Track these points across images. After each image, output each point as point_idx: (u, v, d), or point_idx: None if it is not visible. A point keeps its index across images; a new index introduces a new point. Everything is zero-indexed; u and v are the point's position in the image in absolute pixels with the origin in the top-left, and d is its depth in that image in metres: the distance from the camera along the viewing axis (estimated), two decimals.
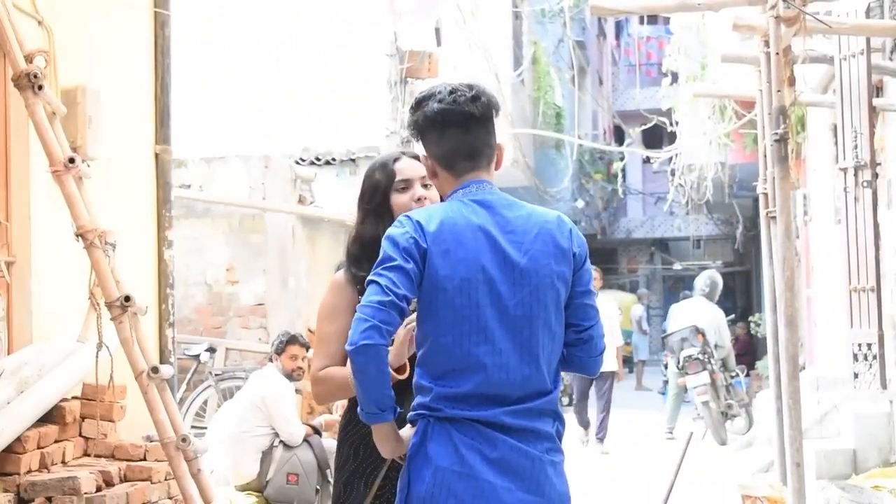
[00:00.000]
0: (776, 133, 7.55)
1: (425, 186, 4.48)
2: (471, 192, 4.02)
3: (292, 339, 10.05)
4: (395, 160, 4.58)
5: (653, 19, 41.30)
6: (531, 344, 3.93)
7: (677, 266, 42.44)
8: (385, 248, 3.91)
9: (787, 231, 7.56)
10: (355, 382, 3.86)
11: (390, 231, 3.95)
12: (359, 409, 3.91)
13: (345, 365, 4.40)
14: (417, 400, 3.96)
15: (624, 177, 34.77)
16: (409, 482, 3.93)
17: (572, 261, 4.02)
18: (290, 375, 9.88)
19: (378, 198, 4.55)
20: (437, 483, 3.86)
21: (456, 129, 4.03)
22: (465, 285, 3.88)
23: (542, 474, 3.91)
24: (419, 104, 4.10)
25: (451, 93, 4.03)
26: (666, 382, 23.08)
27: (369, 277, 3.89)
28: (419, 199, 4.45)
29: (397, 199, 4.51)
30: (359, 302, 4.04)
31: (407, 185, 4.52)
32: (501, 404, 3.88)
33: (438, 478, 3.86)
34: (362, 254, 4.47)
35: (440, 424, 3.88)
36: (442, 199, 4.16)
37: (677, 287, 39.16)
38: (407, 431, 4.00)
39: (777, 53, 7.52)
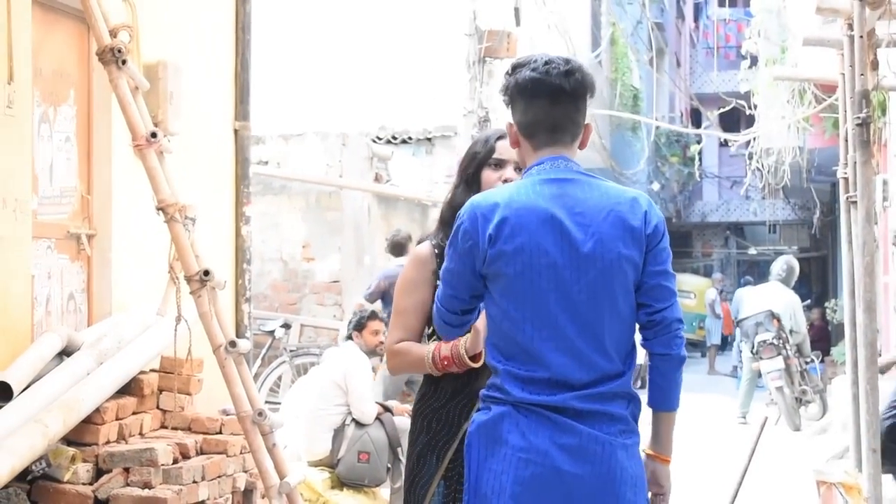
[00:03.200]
0: (858, 117, 7.46)
1: (518, 171, 4.49)
2: (544, 171, 4.00)
3: (373, 315, 10.09)
4: (499, 137, 4.62)
5: (733, 1, 41.02)
6: (596, 328, 3.91)
7: (752, 251, 42.21)
8: (451, 238, 4.06)
9: (868, 216, 7.48)
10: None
11: (458, 220, 4.02)
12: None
13: (418, 338, 4.48)
14: (491, 379, 3.99)
15: (700, 160, 34.58)
16: (478, 461, 3.94)
17: (644, 241, 3.97)
18: (374, 351, 9.90)
19: (472, 168, 4.64)
20: (504, 467, 3.87)
21: (543, 101, 4.01)
22: (527, 270, 3.87)
23: (612, 459, 3.88)
24: (514, 70, 4.10)
25: (545, 63, 4.02)
26: (736, 367, 23.00)
27: (440, 272, 4.13)
28: (506, 181, 4.48)
29: (488, 175, 4.59)
30: (436, 273, 4.38)
31: (500, 164, 4.59)
32: (570, 388, 3.87)
33: (506, 462, 3.86)
34: (452, 218, 4.52)
35: (511, 408, 3.89)
36: (522, 168, 4.18)
37: (752, 271, 38.97)
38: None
39: (861, 36, 7.43)
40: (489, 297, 3.97)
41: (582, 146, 4.16)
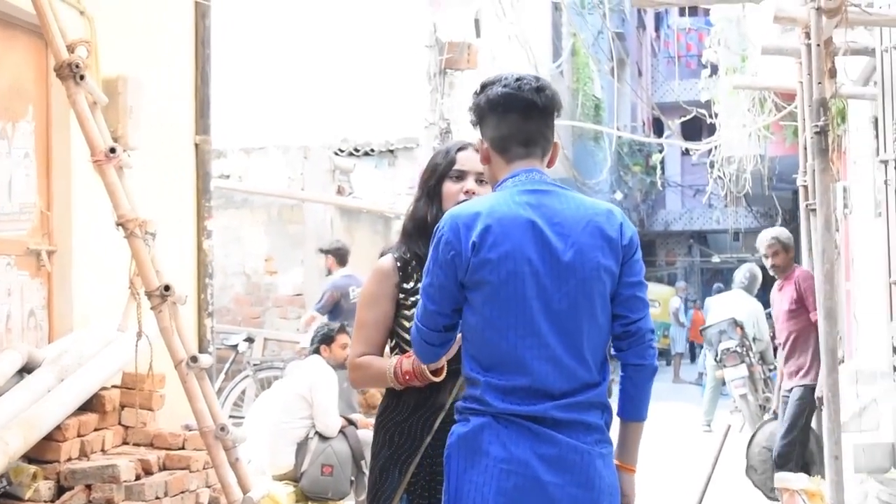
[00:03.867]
0: (816, 125, 7.51)
1: (480, 182, 4.53)
2: (520, 182, 4.03)
3: (341, 328, 10.12)
4: (460, 149, 4.66)
5: (693, 11, 41.14)
6: (576, 337, 3.92)
7: (716, 259, 42.35)
8: (431, 252, 4.02)
9: (827, 223, 7.53)
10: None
11: (437, 233, 4.01)
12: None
13: (380, 351, 4.50)
14: (468, 391, 3.98)
15: (663, 169, 34.66)
16: (458, 474, 3.93)
17: (620, 252, 4.00)
18: (343, 364, 9.90)
19: (433, 180, 4.65)
20: (485, 479, 3.86)
21: (515, 115, 4.06)
22: (512, 278, 3.88)
23: (591, 468, 3.91)
24: (483, 88, 4.16)
25: (516, 80, 4.08)
26: (701, 374, 23.07)
27: (420, 289, 4.09)
28: (468, 192, 4.51)
29: (449, 186, 4.60)
30: (401, 290, 4.47)
31: (461, 176, 4.60)
32: (550, 398, 3.89)
33: (487, 474, 3.86)
34: (414, 231, 4.60)
35: (491, 419, 3.89)
36: (493, 185, 4.18)
37: (716, 280, 39.04)
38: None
39: (818, 45, 7.48)
40: (469, 307, 3.96)
41: (550, 164, 4.18)
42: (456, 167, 4.60)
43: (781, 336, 10.34)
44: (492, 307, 3.90)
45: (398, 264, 4.60)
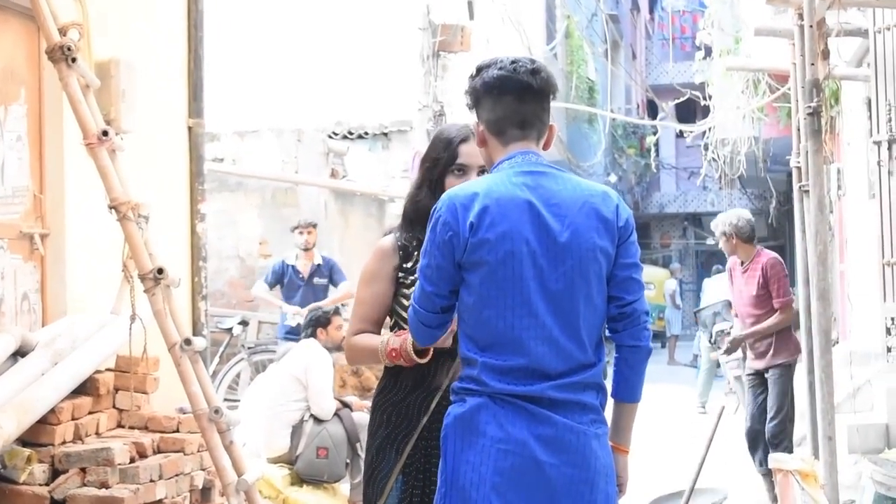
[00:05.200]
0: (809, 106, 7.51)
1: (482, 174, 4.51)
2: (517, 164, 4.04)
3: (336, 311, 10.15)
4: (462, 141, 4.64)
5: None
6: (572, 318, 3.94)
7: (710, 241, 42.20)
8: (428, 234, 4.03)
9: (821, 205, 7.52)
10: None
11: (435, 214, 4.02)
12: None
13: (378, 329, 4.51)
14: (465, 371, 4.00)
15: (657, 151, 34.67)
16: (454, 454, 3.95)
17: (616, 234, 4.03)
18: (340, 346, 9.91)
19: (436, 172, 4.65)
20: (482, 459, 3.88)
21: (511, 98, 4.07)
22: (509, 258, 3.90)
23: (587, 448, 3.93)
24: (479, 71, 4.17)
25: (512, 62, 4.10)
26: (696, 356, 23.10)
27: (418, 271, 4.10)
28: None
29: (451, 181, 4.60)
30: (400, 269, 4.53)
31: (463, 170, 4.61)
32: (547, 378, 3.90)
33: (485, 454, 3.88)
34: (416, 217, 4.60)
35: (488, 399, 3.90)
36: (489, 167, 4.19)
37: (710, 262, 39.02)
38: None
39: (811, 26, 7.48)
40: (466, 287, 3.97)
41: (546, 146, 4.19)
42: (458, 161, 4.62)
43: (748, 320, 10.30)
44: (489, 287, 3.91)
45: (399, 244, 4.63)
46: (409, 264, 4.59)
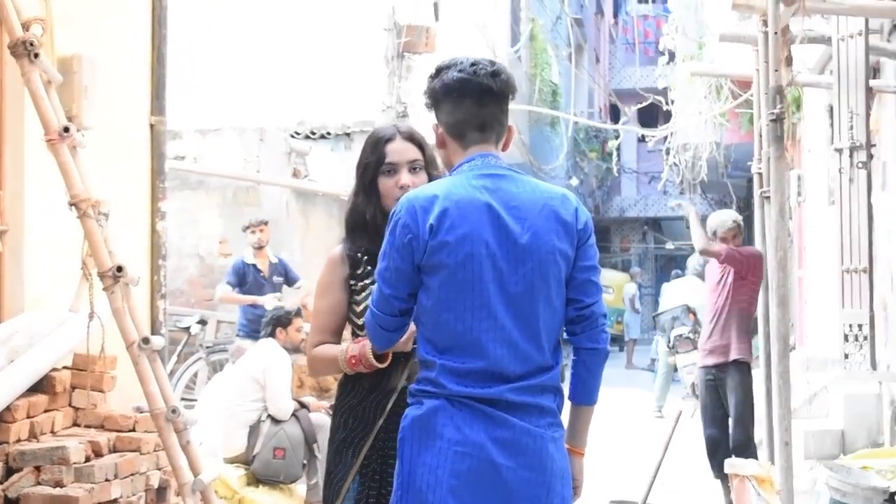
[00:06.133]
0: (772, 113, 7.54)
1: (413, 170, 4.56)
2: (476, 166, 4.04)
3: (298, 312, 10.13)
4: (388, 140, 4.62)
5: None
6: (532, 320, 3.95)
7: (670, 245, 42.44)
8: (387, 237, 4.01)
9: (781, 211, 7.55)
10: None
11: (394, 218, 4.01)
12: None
13: (337, 339, 4.51)
14: (422, 373, 3.99)
15: (619, 155, 34.79)
16: (411, 456, 3.94)
17: (575, 237, 4.04)
18: (298, 348, 9.91)
19: (368, 176, 4.63)
20: (439, 461, 3.88)
21: (471, 101, 4.07)
22: (469, 260, 3.90)
23: (543, 451, 3.94)
24: (439, 72, 4.16)
25: (472, 64, 4.09)
26: (654, 360, 23.18)
27: (375, 274, 4.08)
28: (402, 186, 4.49)
29: (384, 182, 4.59)
30: (351, 277, 4.49)
31: (393, 170, 4.59)
32: (506, 381, 3.90)
33: (442, 456, 3.87)
34: (356, 226, 4.58)
35: (445, 402, 3.90)
36: (448, 169, 4.19)
37: (669, 266, 39.16)
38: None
39: (775, 33, 7.51)
40: (425, 290, 3.96)
41: (505, 147, 4.21)
42: (387, 161, 4.59)
43: (713, 313, 10.26)
44: (448, 290, 3.91)
45: (346, 253, 4.62)
46: (359, 270, 4.58)
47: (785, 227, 7.61)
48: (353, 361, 4.39)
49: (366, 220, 4.50)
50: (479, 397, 3.88)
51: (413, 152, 4.58)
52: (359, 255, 4.59)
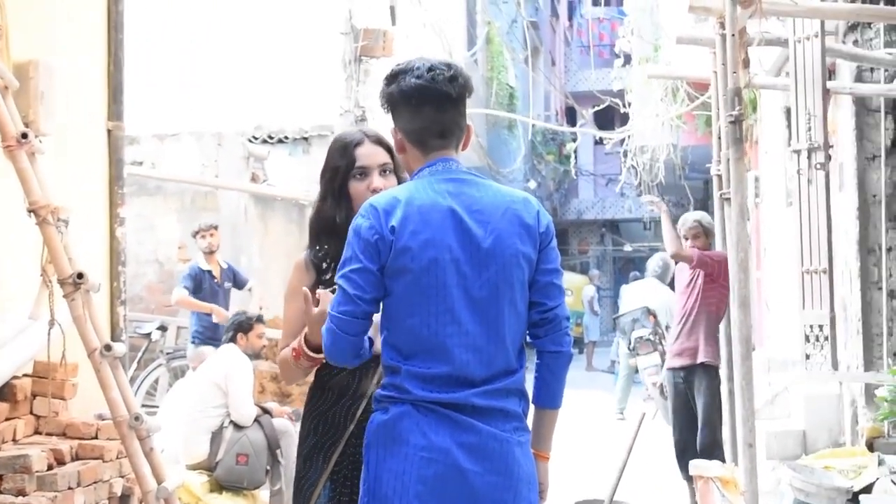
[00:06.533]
0: (731, 115, 7.57)
1: (383, 173, 4.55)
2: (437, 171, 4.02)
3: (259, 318, 10.09)
4: (357, 144, 4.59)
5: (606, 0, 41.38)
6: (497, 324, 3.94)
7: (627, 247, 42.65)
8: (351, 242, 3.94)
9: (741, 212, 7.58)
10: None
11: (356, 222, 3.95)
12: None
13: None
14: (387, 379, 3.96)
15: (576, 158, 34.88)
16: (377, 462, 3.91)
17: (538, 240, 4.03)
18: (259, 354, 9.88)
19: (337, 181, 4.59)
20: (405, 467, 3.85)
21: (430, 108, 4.03)
22: (433, 265, 3.87)
23: (510, 456, 3.93)
24: (395, 77, 4.10)
25: (429, 70, 4.04)
26: (614, 362, 23.23)
27: (337, 278, 3.95)
28: (374, 190, 4.46)
29: (355, 186, 4.56)
30: (318, 283, 4.42)
31: (364, 173, 4.57)
32: (471, 385, 3.89)
33: (408, 462, 3.85)
34: (323, 231, 4.55)
35: (411, 407, 3.87)
36: (409, 174, 4.17)
37: (627, 268, 39.30)
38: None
39: (733, 35, 7.54)
40: (389, 296, 3.93)
41: (464, 147, 4.19)
42: (358, 165, 4.57)
43: (682, 313, 10.24)
44: (413, 295, 3.88)
45: (311, 260, 4.61)
46: (327, 276, 4.54)
47: (745, 228, 7.64)
48: (294, 354, 4.33)
49: (334, 224, 4.46)
50: (444, 402, 3.86)
51: (382, 155, 4.56)
52: (325, 262, 4.57)
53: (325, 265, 4.57)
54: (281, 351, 4.51)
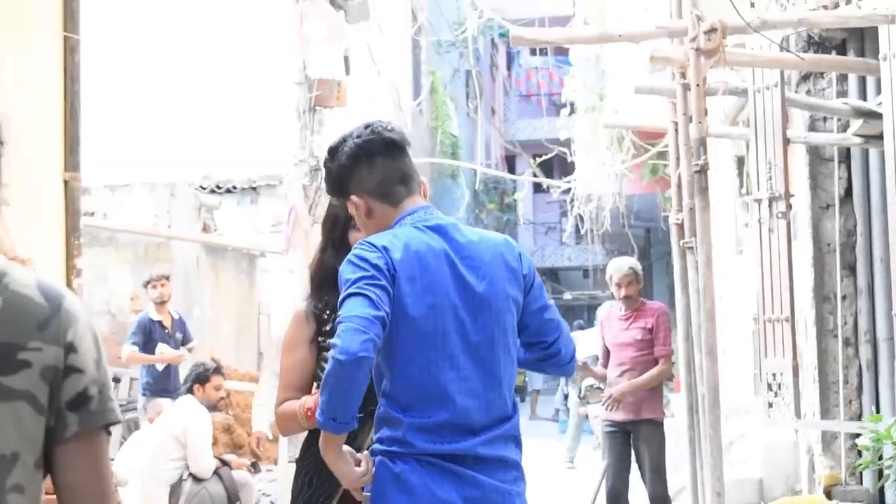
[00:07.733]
0: (696, 164, 7.61)
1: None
2: (419, 219, 3.97)
3: (216, 370, 10.01)
4: None
5: (543, 51, 41.68)
6: (494, 369, 3.93)
7: (567, 295, 42.73)
8: (359, 265, 3.76)
9: (708, 262, 7.58)
10: (337, 390, 3.63)
11: (359, 252, 3.82)
12: (323, 415, 3.69)
13: (302, 396, 4.39)
14: (386, 433, 3.88)
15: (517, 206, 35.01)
16: None
17: (522, 282, 4.03)
18: (216, 406, 9.79)
19: (338, 231, 4.57)
20: None
21: (383, 158, 4.01)
22: (433, 311, 3.83)
23: None
24: (335, 150, 4.07)
25: (366, 127, 4.04)
26: (558, 410, 23.25)
27: (352, 290, 3.69)
28: None
29: (354, 235, 4.45)
30: (319, 334, 4.40)
31: None
32: (472, 432, 3.86)
33: None
34: (324, 282, 4.50)
35: (414, 462, 3.83)
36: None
37: (568, 316, 39.40)
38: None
39: (697, 85, 7.58)
40: (386, 343, 3.75)
41: (424, 199, 4.14)
42: None
43: (620, 367, 10.05)
44: (412, 341, 3.83)
45: (312, 311, 4.55)
46: (327, 328, 4.47)
47: (711, 277, 7.64)
48: (310, 414, 4.26)
49: (335, 275, 4.40)
50: (447, 454, 3.83)
51: None
52: (325, 313, 4.51)
53: (325, 316, 4.50)
54: (282, 403, 4.45)
